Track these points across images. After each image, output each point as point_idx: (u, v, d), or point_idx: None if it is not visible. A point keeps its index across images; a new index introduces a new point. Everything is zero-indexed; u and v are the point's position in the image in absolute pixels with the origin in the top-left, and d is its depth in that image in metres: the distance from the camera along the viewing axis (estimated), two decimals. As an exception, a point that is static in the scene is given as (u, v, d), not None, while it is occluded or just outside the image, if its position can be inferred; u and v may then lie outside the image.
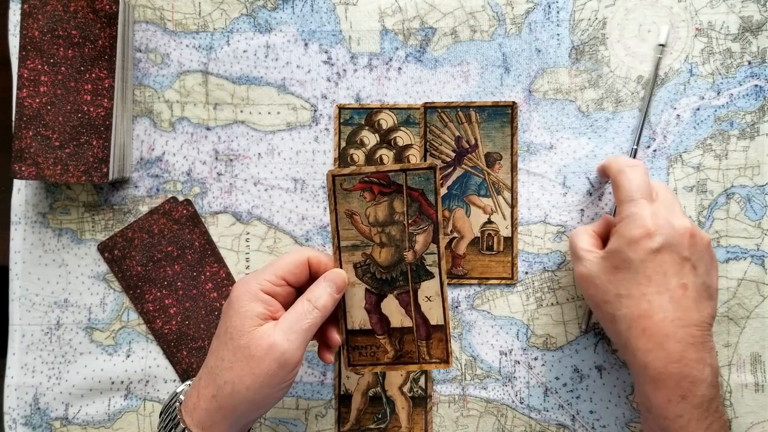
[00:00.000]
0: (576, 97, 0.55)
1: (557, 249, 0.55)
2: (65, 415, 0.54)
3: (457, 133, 0.55)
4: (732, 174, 0.54)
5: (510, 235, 0.54)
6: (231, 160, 0.56)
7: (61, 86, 0.51)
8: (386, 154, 0.55)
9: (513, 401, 0.54)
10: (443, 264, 0.46)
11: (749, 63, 0.54)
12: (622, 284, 0.44)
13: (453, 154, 0.55)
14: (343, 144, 0.55)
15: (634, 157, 0.53)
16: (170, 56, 0.56)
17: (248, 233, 0.55)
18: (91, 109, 0.51)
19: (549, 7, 0.55)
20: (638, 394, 0.46)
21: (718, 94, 0.54)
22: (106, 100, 0.52)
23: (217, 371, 0.42)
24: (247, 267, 0.55)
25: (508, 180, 0.55)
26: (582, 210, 0.55)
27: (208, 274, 0.55)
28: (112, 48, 0.52)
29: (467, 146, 0.55)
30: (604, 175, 0.52)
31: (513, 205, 0.54)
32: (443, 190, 0.55)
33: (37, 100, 0.51)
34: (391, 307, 0.46)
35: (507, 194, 0.55)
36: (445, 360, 0.46)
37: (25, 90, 0.51)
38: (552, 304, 0.54)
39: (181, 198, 0.55)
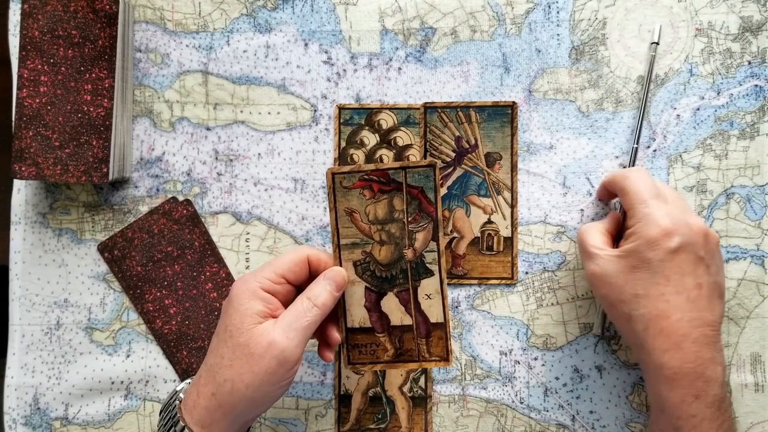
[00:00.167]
0: (576, 97, 0.55)
1: (557, 249, 0.55)
2: (65, 415, 0.54)
3: (457, 133, 0.55)
4: (732, 174, 0.54)
5: (510, 235, 0.54)
6: (231, 160, 0.56)
7: (61, 86, 0.51)
8: (386, 154, 0.55)
9: (513, 401, 0.54)
10: (443, 262, 0.46)
11: (749, 63, 0.54)
12: (640, 284, 0.44)
13: (453, 154, 0.55)
14: (343, 144, 0.55)
15: (635, 156, 0.53)
16: (170, 56, 0.56)
17: (248, 233, 0.55)
18: (91, 109, 0.51)
19: (549, 7, 0.55)
20: (651, 394, 0.46)
21: (718, 94, 0.54)
22: (106, 100, 0.52)
23: (217, 369, 0.42)
24: (247, 267, 0.55)
25: (508, 180, 0.55)
26: (582, 210, 0.55)
27: (208, 274, 0.55)
28: (112, 48, 0.52)
29: (467, 146, 0.55)
30: (607, 195, 0.53)
31: (513, 205, 0.55)
32: (443, 190, 0.55)
33: (37, 100, 0.51)
34: (390, 305, 0.46)
35: (507, 194, 0.55)
36: (445, 358, 0.46)
37: (25, 90, 0.51)
38: (552, 304, 0.54)
39: (181, 198, 0.55)
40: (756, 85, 0.54)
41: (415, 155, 0.55)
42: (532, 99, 0.55)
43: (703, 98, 0.54)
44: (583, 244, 0.48)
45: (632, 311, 0.45)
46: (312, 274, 0.46)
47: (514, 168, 0.55)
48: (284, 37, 0.56)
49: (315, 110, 0.56)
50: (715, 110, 0.54)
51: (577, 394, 0.54)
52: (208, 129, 0.56)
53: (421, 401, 0.54)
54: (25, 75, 0.51)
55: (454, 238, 0.55)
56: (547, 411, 0.54)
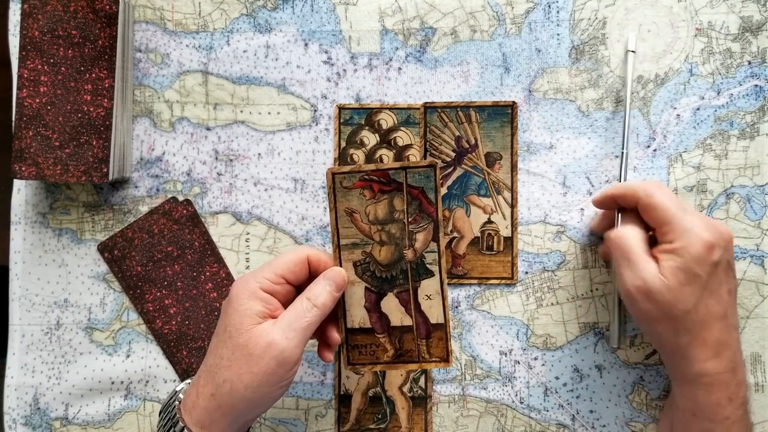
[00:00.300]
0: (576, 96, 0.55)
1: (557, 249, 0.55)
2: (65, 415, 0.54)
3: (457, 133, 0.55)
4: (732, 174, 0.54)
5: (510, 235, 0.54)
6: (231, 160, 0.56)
7: (61, 86, 0.51)
8: (386, 154, 0.55)
9: (513, 401, 0.54)
10: (443, 262, 0.46)
11: (749, 63, 0.54)
12: (689, 300, 0.44)
13: (453, 154, 0.55)
14: (343, 144, 0.55)
15: (626, 161, 0.51)
16: (170, 56, 0.56)
17: (248, 233, 0.55)
18: (91, 109, 0.51)
19: (549, 6, 0.55)
20: (683, 400, 0.46)
21: (718, 94, 0.54)
22: (106, 100, 0.52)
23: (216, 369, 0.42)
24: (247, 267, 0.55)
25: (508, 180, 0.55)
26: (582, 209, 0.55)
27: (208, 274, 0.55)
28: (112, 48, 0.52)
29: (467, 146, 0.55)
30: (609, 206, 0.50)
31: (513, 205, 0.55)
32: (443, 190, 0.55)
33: (37, 100, 0.51)
34: (390, 305, 0.46)
35: (507, 194, 0.55)
36: (445, 359, 0.46)
37: (25, 90, 0.51)
38: (552, 304, 0.54)
39: (181, 198, 0.55)
40: (756, 85, 0.54)
41: (415, 155, 0.55)
42: (532, 99, 0.55)
43: (703, 98, 0.54)
44: (624, 250, 0.46)
45: (679, 326, 0.44)
46: (312, 274, 0.46)
47: (514, 168, 0.55)
48: (284, 37, 0.56)
49: (315, 110, 0.56)
50: (715, 110, 0.54)
51: (577, 393, 0.54)
52: (208, 129, 0.56)
53: (421, 401, 0.54)
54: (25, 75, 0.51)
55: (454, 237, 0.55)
56: (547, 411, 0.54)
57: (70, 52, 0.51)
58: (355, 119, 0.55)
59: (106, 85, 0.52)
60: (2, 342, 0.55)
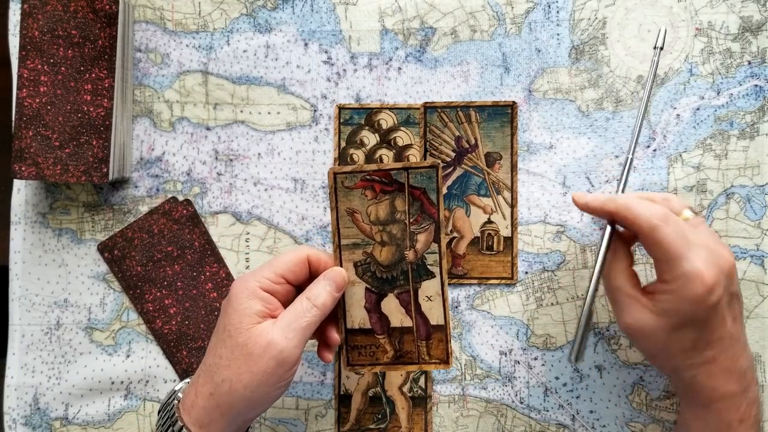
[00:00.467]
0: (576, 96, 0.55)
1: (557, 249, 0.55)
2: (65, 415, 0.54)
3: (457, 133, 0.55)
4: (732, 174, 0.54)
5: (510, 235, 0.54)
6: (231, 160, 0.56)
7: (61, 86, 0.51)
8: (386, 154, 0.55)
9: (513, 401, 0.54)
10: (444, 264, 0.45)
11: (749, 63, 0.54)
12: (685, 340, 0.42)
13: (453, 154, 0.55)
14: (343, 144, 0.55)
15: (631, 162, 0.48)
16: (170, 56, 0.56)
17: (248, 233, 0.55)
18: (91, 109, 0.51)
19: (549, 6, 0.55)
20: (694, 422, 0.45)
21: (718, 94, 0.54)
22: (106, 100, 0.52)
23: (215, 369, 0.42)
24: (247, 267, 0.55)
25: (508, 180, 0.55)
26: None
27: (208, 274, 0.55)
28: (112, 48, 0.52)
29: (467, 146, 0.55)
30: (599, 213, 0.47)
31: (513, 205, 0.55)
32: (443, 190, 0.55)
33: (37, 100, 0.51)
34: (391, 306, 0.46)
35: (507, 194, 0.55)
36: (445, 360, 0.46)
37: (25, 90, 0.51)
38: (552, 303, 0.54)
39: (181, 198, 0.55)
40: (756, 85, 0.54)
41: (415, 155, 0.55)
42: (532, 99, 0.55)
43: (703, 98, 0.54)
44: (611, 289, 0.45)
45: (678, 363, 0.43)
46: (312, 274, 0.46)
47: (514, 168, 0.55)
48: (284, 37, 0.56)
49: (315, 110, 0.56)
50: (715, 110, 0.54)
51: (577, 393, 0.54)
52: (208, 129, 0.56)
53: (421, 401, 0.54)
54: (25, 75, 0.51)
55: (454, 237, 0.55)
56: (547, 411, 0.54)
57: (70, 52, 0.51)
58: (355, 119, 0.55)
59: (106, 85, 0.52)
60: (2, 342, 0.55)
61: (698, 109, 0.54)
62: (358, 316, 0.46)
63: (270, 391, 0.42)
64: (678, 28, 0.54)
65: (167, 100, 0.56)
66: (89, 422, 0.54)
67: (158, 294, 0.55)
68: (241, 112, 0.56)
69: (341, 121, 0.55)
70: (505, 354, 0.54)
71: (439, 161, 0.49)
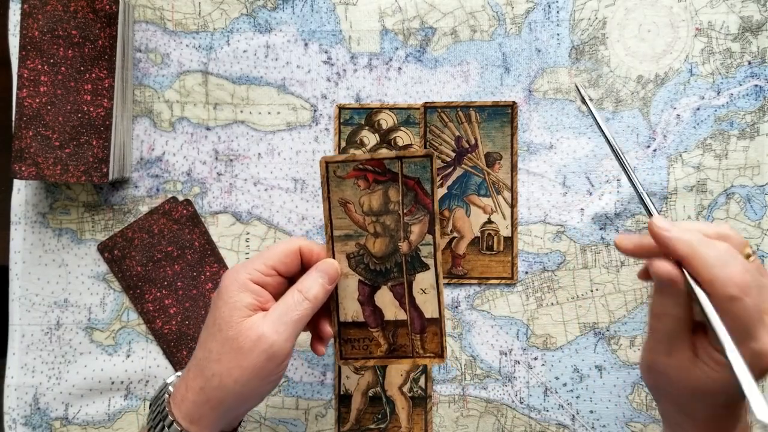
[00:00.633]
0: (576, 96, 0.55)
1: (557, 249, 0.55)
2: (65, 415, 0.54)
3: (457, 133, 0.55)
4: (732, 174, 0.54)
5: (510, 235, 0.54)
6: (231, 160, 0.56)
7: (61, 86, 0.51)
8: (386, 154, 0.55)
9: (513, 401, 0.54)
10: (439, 255, 0.44)
11: (749, 63, 0.54)
12: (719, 414, 0.39)
13: (453, 154, 0.55)
14: (343, 144, 0.55)
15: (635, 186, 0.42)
16: (170, 56, 0.56)
17: (248, 233, 0.55)
18: (91, 109, 0.51)
19: (549, 6, 0.55)
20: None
21: (718, 94, 0.54)
22: (106, 100, 0.52)
23: (205, 363, 0.41)
24: (247, 267, 0.55)
25: (508, 180, 0.55)
26: (582, 210, 0.55)
27: (208, 274, 0.55)
28: (112, 48, 0.52)
29: (467, 146, 0.55)
30: (646, 256, 0.40)
31: (513, 205, 0.54)
32: (443, 190, 0.55)
33: (37, 100, 0.51)
34: (384, 299, 0.45)
35: (507, 194, 0.55)
36: (440, 354, 0.45)
37: (25, 90, 0.51)
38: (552, 304, 0.54)
39: (181, 198, 0.55)
40: (756, 85, 0.54)
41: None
42: (532, 99, 0.55)
43: (703, 98, 0.54)
44: (660, 334, 0.39)
45: (690, 417, 0.40)
46: (304, 266, 0.44)
47: (514, 168, 0.55)
48: (284, 37, 0.56)
49: (315, 110, 0.56)
50: (715, 110, 0.54)
51: (577, 393, 0.54)
52: (208, 129, 0.56)
53: (421, 401, 0.54)
54: (25, 75, 0.51)
55: (454, 237, 0.55)
56: (547, 411, 0.54)
57: (70, 52, 0.51)
58: (355, 119, 0.55)
59: (106, 85, 0.52)
60: (2, 342, 0.55)
61: (698, 109, 0.54)
62: (351, 309, 0.46)
63: (261, 385, 0.41)
64: (678, 28, 0.54)
65: (167, 100, 0.56)
66: (89, 422, 0.54)
67: (158, 294, 0.55)
68: (241, 112, 0.56)
69: (341, 121, 0.55)
70: (505, 354, 0.54)
71: (433, 150, 0.48)
